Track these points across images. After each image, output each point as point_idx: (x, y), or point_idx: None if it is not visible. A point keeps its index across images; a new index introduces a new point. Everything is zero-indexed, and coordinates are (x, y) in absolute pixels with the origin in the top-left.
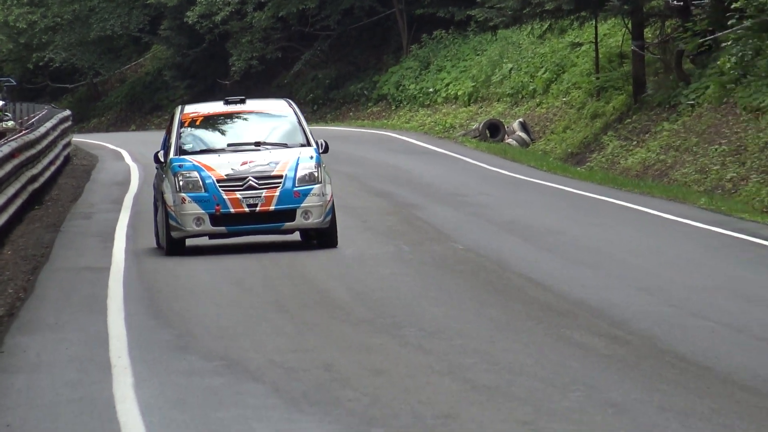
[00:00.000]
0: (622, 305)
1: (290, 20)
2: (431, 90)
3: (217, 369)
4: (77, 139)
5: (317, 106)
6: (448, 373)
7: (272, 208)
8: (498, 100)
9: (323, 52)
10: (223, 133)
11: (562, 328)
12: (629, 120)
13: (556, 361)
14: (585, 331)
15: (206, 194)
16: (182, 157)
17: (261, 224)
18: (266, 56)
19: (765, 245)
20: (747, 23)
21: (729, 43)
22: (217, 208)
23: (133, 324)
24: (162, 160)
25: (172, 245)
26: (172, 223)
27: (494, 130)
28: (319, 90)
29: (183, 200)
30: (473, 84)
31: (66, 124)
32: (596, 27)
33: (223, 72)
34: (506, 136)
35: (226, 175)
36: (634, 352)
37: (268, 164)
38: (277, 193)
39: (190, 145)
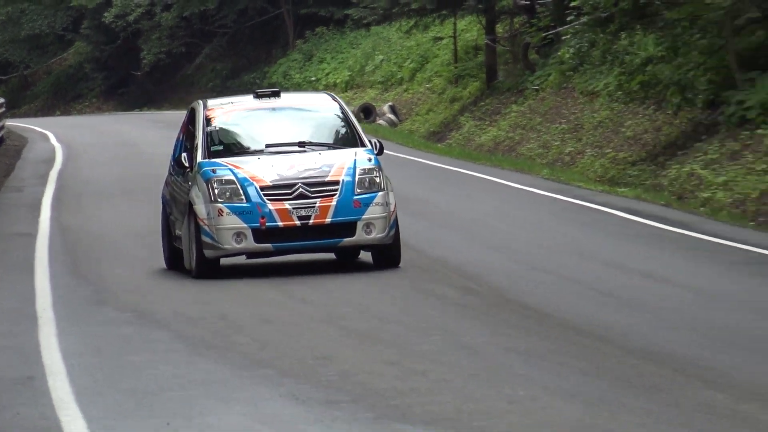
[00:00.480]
0: (476, 262)
1: (193, 19)
2: (313, 78)
3: (129, 319)
4: (10, 123)
5: (216, 94)
6: (327, 321)
7: (328, 220)
8: (371, 87)
9: (221, 47)
10: (258, 131)
11: (424, 281)
12: (483, 103)
13: (418, 311)
14: (443, 284)
15: (248, 204)
16: (214, 160)
17: (315, 240)
18: (172, 51)
19: (597, 209)
20: (583, 19)
21: (568, 36)
22: (261, 220)
23: (57, 282)
24: (187, 164)
25: (204, 266)
26: (205, 239)
27: (367, 113)
28: (218, 80)
29: (220, 212)
30: (349, 73)
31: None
32: (455, 23)
33: (136, 65)
34: (377, 117)
35: (271, 182)
36: (484, 302)
37: (320, 168)
38: (334, 203)
39: (221, 146)
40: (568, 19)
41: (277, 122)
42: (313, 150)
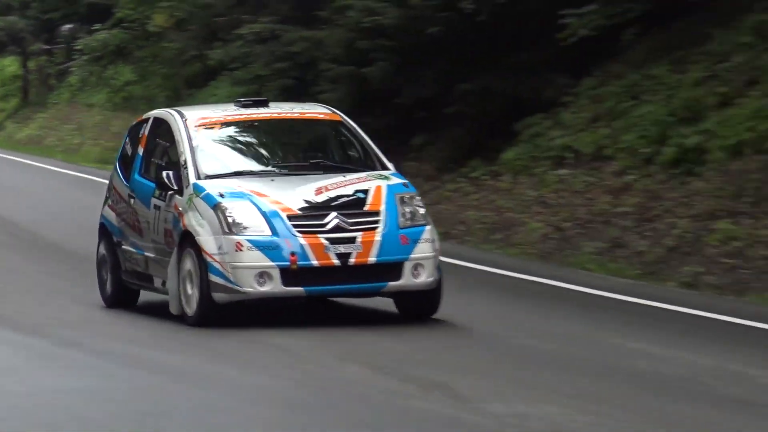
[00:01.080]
0: (24, 217)
1: None
2: None
3: None
4: None
5: None
6: None
7: (372, 259)
8: None
9: None
10: (256, 147)
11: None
12: (20, 112)
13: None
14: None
15: (274, 238)
16: (215, 182)
17: (356, 284)
18: None
19: (92, 180)
20: (85, 57)
21: (75, 68)
22: (292, 258)
23: None
24: (174, 185)
25: (210, 312)
26: (215, 279)
27: None
28: None
29: (238, 246)
30: None
31: None
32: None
33: None
34: None
35: (299, 210)
36: (26, 244)
37: (354, 194)
38: (379, 238)
39: (218, 164)
40: (74, 57)
41: (274, 137)
42: (334, 173)
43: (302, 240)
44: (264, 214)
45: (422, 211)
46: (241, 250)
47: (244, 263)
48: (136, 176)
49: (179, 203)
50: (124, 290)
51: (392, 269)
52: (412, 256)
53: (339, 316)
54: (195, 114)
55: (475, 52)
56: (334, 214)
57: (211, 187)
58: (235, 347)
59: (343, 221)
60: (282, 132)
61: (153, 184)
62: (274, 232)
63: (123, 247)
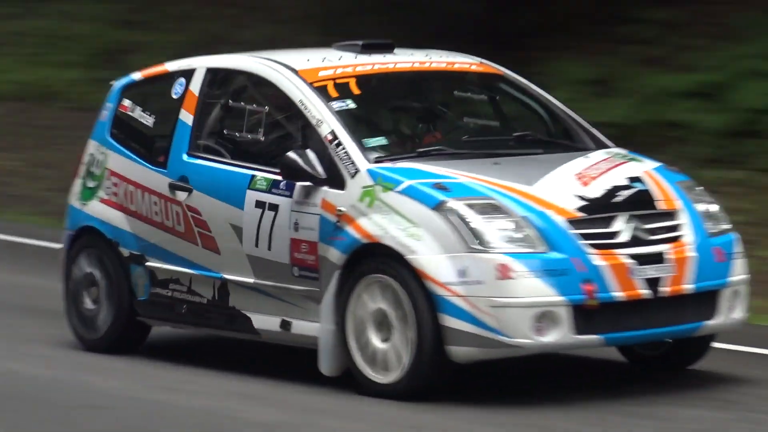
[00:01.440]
0: None
1: None
2: None
3: None
4: None
5: None
6: None
7: (689, 286)
8: None
9: None
10: (416, 113)
11: None
12: None
13: None
14: None
15: (557, 255)
16: (401, 166)
17: (668, 326)
18: None
19: None
20: None
21: None
22: (587, 288)
23: None
24: (321, 172)
25: (439, 376)
26: (457, 325)
27: None
28: None
29: (504, 271)
30: None
31: None
32: None
33: None
34: None
35: (578, 210)
36: None
37: (631, 186)
38: (693, 254)
39: (381, 139)
40: None
41: (425, 97)
42: (560, 151)
43: (598, 260)
44: (527, 218)
45: (717, 207)
46: (509, 278)
47: (516, 299)
48: (186, 157)
49: (337, 200)
50: (132, 327)
51: (707, 301)
52: (732, 279)
53: None
54: (303, 63)
55: None
56: (625, 216)
57: (412, 176)
58: None
59: (640, 228)
60: (431, 90)
61: (246, 172)
62: (554, 246)
63: (149, 264)
